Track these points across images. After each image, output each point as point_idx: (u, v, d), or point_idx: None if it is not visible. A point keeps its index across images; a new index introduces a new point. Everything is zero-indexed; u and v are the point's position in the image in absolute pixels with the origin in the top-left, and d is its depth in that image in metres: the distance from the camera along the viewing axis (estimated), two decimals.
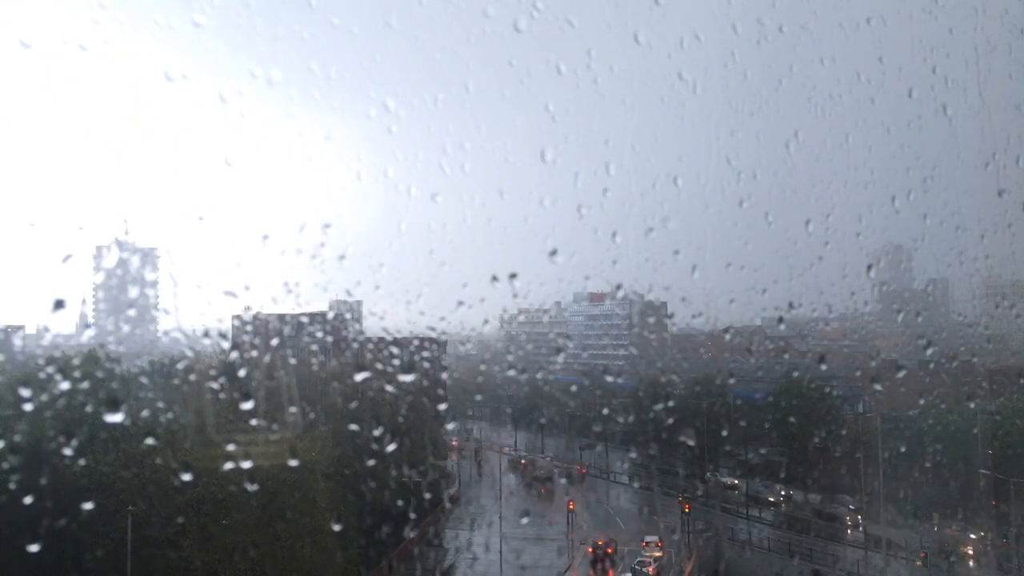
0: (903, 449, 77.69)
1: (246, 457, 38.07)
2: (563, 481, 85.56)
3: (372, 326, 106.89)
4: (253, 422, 43.58)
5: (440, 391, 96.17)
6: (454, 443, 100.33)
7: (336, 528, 43.22)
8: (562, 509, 70.24)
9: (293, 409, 52.86)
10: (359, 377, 64.45)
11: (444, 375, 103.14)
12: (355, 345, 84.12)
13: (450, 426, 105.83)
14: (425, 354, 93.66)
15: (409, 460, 64.53)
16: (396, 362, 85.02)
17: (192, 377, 49.61)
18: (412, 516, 61.32)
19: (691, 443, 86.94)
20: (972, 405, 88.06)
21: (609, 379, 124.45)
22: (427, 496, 68.73)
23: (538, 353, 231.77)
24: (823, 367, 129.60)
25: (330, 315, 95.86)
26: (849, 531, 64.94)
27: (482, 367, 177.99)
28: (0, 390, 47.85)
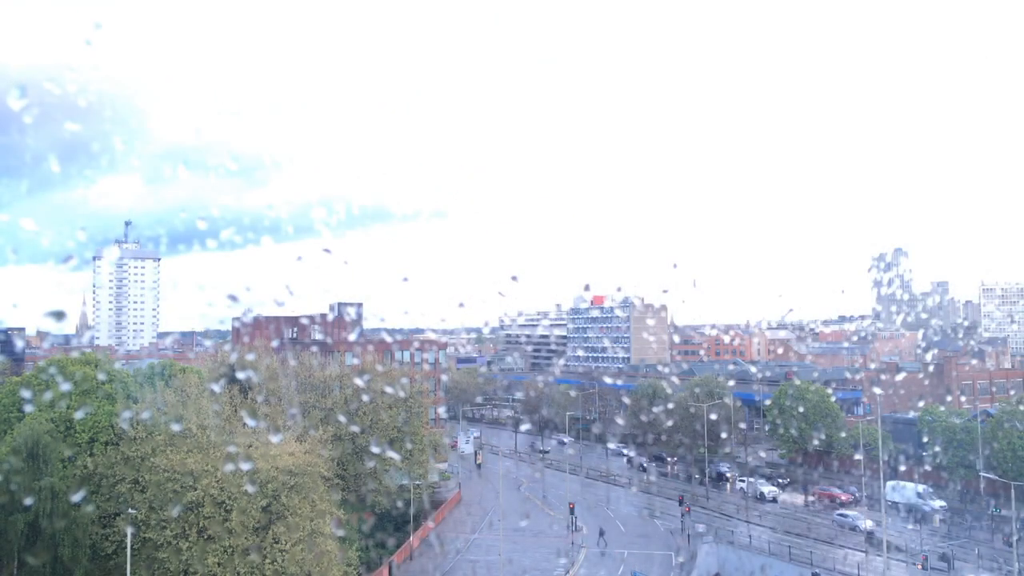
0: (903, 451, 77.72)
1: (246, 459, 38.09)
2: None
3: (373, 327, 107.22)
4: (253, 424, 43.60)
5: (440, 393, 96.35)
6: (454, 444, 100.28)
7: (336, 530, 43.23)
8: (563, 510, 70.18)
9: (293, 411, 52.88)
10: (359, 379, 64.42)
11: (444, 377, 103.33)
12: (355, 347, 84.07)
13: (450, 427, 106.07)
14: (426, 356, 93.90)
15: (409, 462, 64.61)
16: (396, 364, 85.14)
17: (192, 379, 49.67)
18: (412, 518, 61.39)
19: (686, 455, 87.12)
20: (972, 407, 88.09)
21: (609, 381, 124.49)
22: (427, 497, 68.77)
23: (538, 355, 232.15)
24: (823, 368, 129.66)
25: (330, 317, 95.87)
26: (848, 534, 64.84)
27: (482, 369, 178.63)
28: (1, 391, 47.88)
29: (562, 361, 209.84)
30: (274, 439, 41.90)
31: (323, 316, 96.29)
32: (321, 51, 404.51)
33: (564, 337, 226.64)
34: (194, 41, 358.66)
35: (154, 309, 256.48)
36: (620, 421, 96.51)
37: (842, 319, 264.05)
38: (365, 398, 63.13)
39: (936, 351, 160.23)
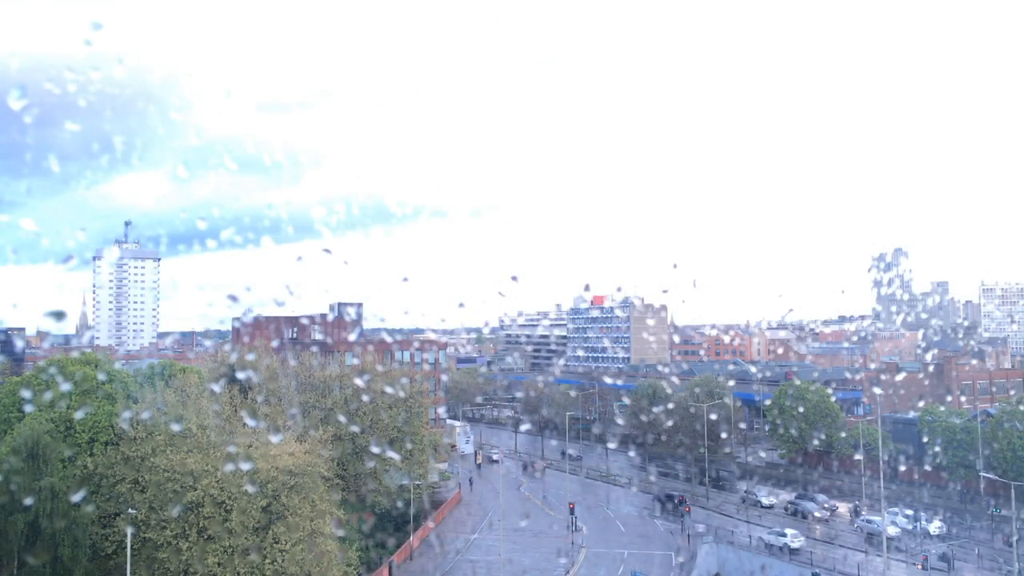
0: (903, 451, 77.69)
1: (246, 459, 38.10)
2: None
3: (373, 328, 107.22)
4: (253, 424, 43.61)
5: (440, 393, 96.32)
6: (454, 444, 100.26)
7: (336, 530, 43.25)
8: (562, 511, 70.20)
9: (293, 411, 52.87)
10: (359, 379, 64.42)
11: (444, 377, 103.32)
12: (355, 347, 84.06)
13: (450, 427, 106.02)
14: (426, 356, 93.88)
15: (409, 462, 64.61)
16: (396, 364, 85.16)
17: (192, 379, 49.69)
18: (412, 518, 61.37)
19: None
20: (972, 407, 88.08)
21: (609, 381, 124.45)
22: (427, 497, 68.77)
23: (538, 355, 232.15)
24: (823, 368, 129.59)
25: (330, 317, 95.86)
26: (849, 534, 64.86)
27: (482, 369, 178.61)
28: (1, 391, 47.89)
29: (562, 361, 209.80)
30: (274, 439, 41.91)
31: (323, 316, 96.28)
32: (321, 51, 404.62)
33: (564, 337, 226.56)
34: (197, 40, 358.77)
35: (154, 309, 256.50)
36: (620, 421, 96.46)
37: (842, 319, 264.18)
38: (365, 398, 63.14)
39: (936, 351, 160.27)
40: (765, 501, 75.32)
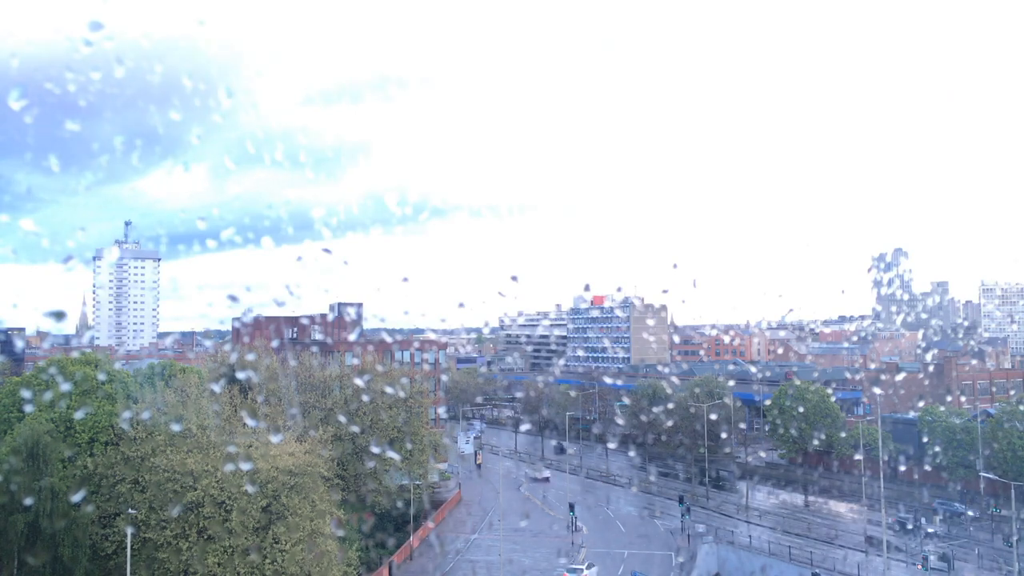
0: (903, 451, 77.70)
1: (246, 459, 38.09)
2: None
3: (373, 328, 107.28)
4: (253, 424, 43.61)
5: (440, 393, 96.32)
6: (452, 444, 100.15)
7: (336, 530, 43.24)
8: (563, 511, 70.19)
9: (293, 411, 52.88)
10: (359, 379, 64.43)
11: (444, 377, 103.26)
12: (355, 347, 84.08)
13: (450, 427, 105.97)
14: (426, 356, 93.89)
15: (409, 462, 64.62)
16: (396, 364, 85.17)
17: (192, 379, 49.69)
18: (412, 518, 61.38)
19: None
20: (972, 407, 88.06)
21: (609, 381, 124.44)
22: (427, 497, 68.79)
23: (538, 355, 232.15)
24: (823, 368, 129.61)
25: (331, 317, 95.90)
26: (849, 534, 64.85)
27: (482, 369, 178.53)
28: (1, 391, 47.90)
29: (562, 361, 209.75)
30: (274, 439, 41.90)
31: (323, 316, 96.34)
32: (317, 47, 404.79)
33: (564, 337, 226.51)
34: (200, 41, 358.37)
35: (154, 309, 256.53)
36: (620, 421, 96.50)
37: (842, 319, 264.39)
38: (365, 398, 63.13)
39: (936, 351, 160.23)
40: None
